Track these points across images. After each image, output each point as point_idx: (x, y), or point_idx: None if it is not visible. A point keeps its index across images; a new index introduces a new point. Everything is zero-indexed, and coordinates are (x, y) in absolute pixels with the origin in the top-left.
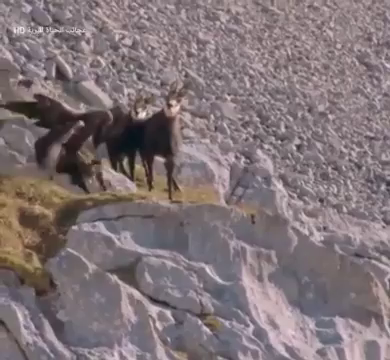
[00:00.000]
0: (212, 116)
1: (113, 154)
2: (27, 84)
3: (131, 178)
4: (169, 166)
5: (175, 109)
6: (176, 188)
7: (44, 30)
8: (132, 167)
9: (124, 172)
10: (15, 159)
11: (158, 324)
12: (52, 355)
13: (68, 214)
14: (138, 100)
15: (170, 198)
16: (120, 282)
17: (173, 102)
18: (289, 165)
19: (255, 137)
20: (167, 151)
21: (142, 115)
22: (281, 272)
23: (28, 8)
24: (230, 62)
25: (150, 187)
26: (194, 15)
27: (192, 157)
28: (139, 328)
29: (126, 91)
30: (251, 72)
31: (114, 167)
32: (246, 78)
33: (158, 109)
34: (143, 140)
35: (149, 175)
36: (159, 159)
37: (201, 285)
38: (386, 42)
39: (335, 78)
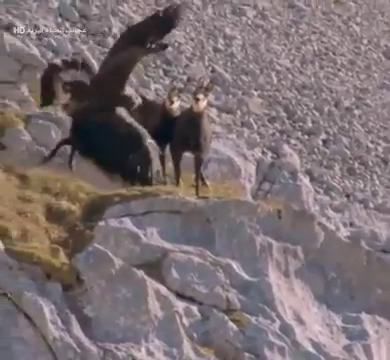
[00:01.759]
0: (239, 111)
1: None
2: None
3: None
4: (197, 162)
5: (203, 104)
6: (204, 184)
7: (71, 26)
8: (163, 161)
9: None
10: (42, 154)
11: (184, 320)
12: (79, 350)
13: (95, 209)
14: (172, 89)
15: (197, 194)
16: (146, 277)
17: (200, 96)
18: (315, 160)
19: (282, 132)
20: (196, 147)
21: (176, 105)
22: (307, 268)
23: (55, 3)
24: (257, 57)
25: (177, 183)
26: (221, 10)
27: (218, 152)
28: (166, 324)
29: (153, 86)
30: (278, 67)
31: (163, 162)
32: (273, 73)
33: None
34: (173, 136)
35: (176, 171)
36: (188, 154)
37: (227, 281)
38: None
39: (361, 73)
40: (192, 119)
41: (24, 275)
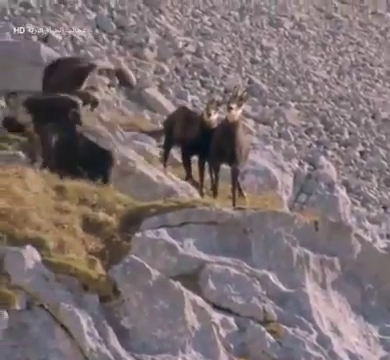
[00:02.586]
0: (276, 122)
1: (186, 158)
2: (91, 90)
3: (197, 184)
4: (234, 173)
5: (236, 113)
6: (241, 195)
7: (108, 37)
8: (201, 173)
9: (190, 178)
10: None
11: (221, 331)
12: None
13: (131, 221)
14: (210, 102)
15: (234, 205)
16: (183, 289)
17: (233, 105)
18: (352, 171)
19: (319, 143)
20: (231, 158)
21: (214, 117)
22: (344, 279)
23: (92, 15)
24: (294, 68)
25: (215, 194)
26: (258, 22)
27: (255, 164)
28: (202, 335)
29: (190, 98)
30: (315, 79)
31: (187, 171)
32: (310, 85)
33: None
34: (210, 147)
35: (214, 182)
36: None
37: (264, 292)
38: None
39: None
40: (227, 130)
41: (61, 286)
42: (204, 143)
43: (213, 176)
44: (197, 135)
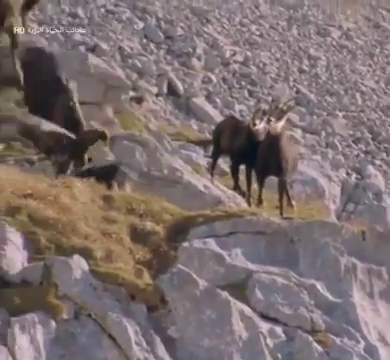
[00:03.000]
0: (323, 132)
1: (234, 167)
2: (139, 100)
3: (244, 194)
4: (281, 184)
5: (277, 126)
6: (290, 204)
7: (155, 47)
8: (249, 183)
9: (237, 188)
10: (127, 175)
11: (269, 340)
12: None
13: (179, 230)
14: (256, 111)
15: (281, 214)
16: (231, 298)
17: (272, 118)
18: None
19: (366, 153)
20: (278, 170)
21: (260, 126)
22: None
23: (140, 25)
24: (341, 78)
25: (259, 203)
26: (305, 31)
27: (303, 173)
28: (250, 344)
29: (237, 107)
30: (363, 88)
31: (235, 181)
32: (357, 94)
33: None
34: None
35: (259, 192)
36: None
37: (312, 302)
38: None
39: None
40: (270, 142)
41: (109, 296)
42: (251, 153)
43: (259, 186)
44: (244, 145)
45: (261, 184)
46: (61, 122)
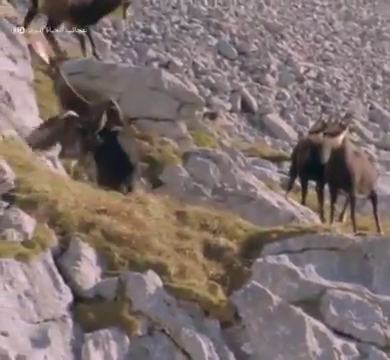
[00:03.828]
0: None
1: (302, 182)
2: (212, 117)
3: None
4: (350, 199)
5: (338, 139)
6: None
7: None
8: (320, 198)
9: (304, 203)
10: (200, 191)
11: (343, 357)
12: None
13: (252, 246)
14: (317, 122)
15: (355, 230)
16: (305, 314)
17: (330, 132)
18: None
19: None
20: (345, 185)
21: (322, 138)
22: None
23: (214, 41)
24: None
25: (331, 220)
26: (379, 47)
27: (378, 189)
28: None
29: (311, 124)
30: None
31: (302, 196)
32: None
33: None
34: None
35: (331, 207)
36: None
37: (386, 318)
38: None
39: None
40: (334, 155)
41: (182, 312)
42: (317, 167)
43: (330, 201)
44: (309, 158)
45: (333, 200)
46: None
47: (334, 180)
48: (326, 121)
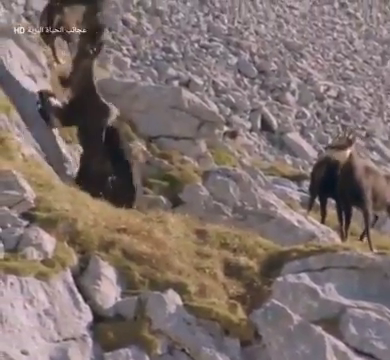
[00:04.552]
0: None
1: (320, 200)
2: (232, 135)
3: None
4: (364, 215)
5: (345, 153)
6: (361, 239)
7: (249, 82)
8: (339, 216)
9: (324, 222)
10: (220, 210)
11: None
12: None
13: (272, 265)
14: (335, 138)
15: (371, 249)
16: (325, 333)
17: (335, 147)
18: None
19: None
20: (356, 200)
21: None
22: None
23: (234, 60)
24: None
25: (345, 237)
26: None
27: None
28: None
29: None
30: None
31: (322, 214)
32: None
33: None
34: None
35: (345, 225)
36: None
37: None
38: None
39: None
40: (342, 170)
41: (202, 331)
42: (332, 184)
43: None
44: (324, 175)
45: (347, 216)
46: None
47: (344, 196)
48: (341, 136)
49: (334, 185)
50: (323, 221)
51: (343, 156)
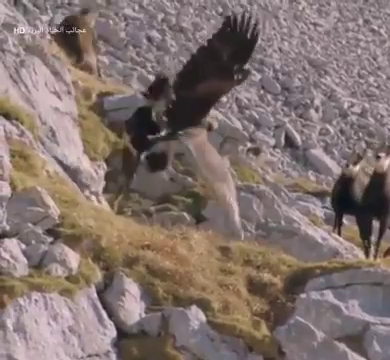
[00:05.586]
0: None
1: (336, 215)
2: (256, 152)
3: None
4: (381, 225)
5: (385, 162)
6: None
7: (272, 98)
8: (362, 231)
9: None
10: (243, 226)
11: None
12: None
13: (296, 282)
14: (352, 154)
15: (375, 256)
16: (348, 350)
17: (382, 154)
18: None
19: None
20: (379, 209)
21: (355, 169)
22: None
23: (257, 76)
24: None
25: (367, 253)
26: None
27: None
28: None
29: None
30: None
31: (338, 228)
32: None
33: None
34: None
35: (367, 239)
36: None
37: None
38: None
39: None
40: (374, 180)
41: (226, 347)
42: (349, 199)
43: (367, 232)
44: (340, 190)
45: (368, 230)
46: None
47: (369, 204)
48: (361, 154)
49: (351, 200)
50: (339, 234)
51: (381, 166)
